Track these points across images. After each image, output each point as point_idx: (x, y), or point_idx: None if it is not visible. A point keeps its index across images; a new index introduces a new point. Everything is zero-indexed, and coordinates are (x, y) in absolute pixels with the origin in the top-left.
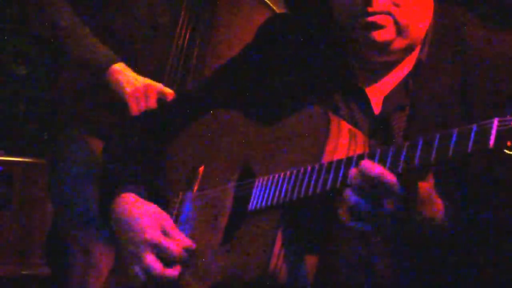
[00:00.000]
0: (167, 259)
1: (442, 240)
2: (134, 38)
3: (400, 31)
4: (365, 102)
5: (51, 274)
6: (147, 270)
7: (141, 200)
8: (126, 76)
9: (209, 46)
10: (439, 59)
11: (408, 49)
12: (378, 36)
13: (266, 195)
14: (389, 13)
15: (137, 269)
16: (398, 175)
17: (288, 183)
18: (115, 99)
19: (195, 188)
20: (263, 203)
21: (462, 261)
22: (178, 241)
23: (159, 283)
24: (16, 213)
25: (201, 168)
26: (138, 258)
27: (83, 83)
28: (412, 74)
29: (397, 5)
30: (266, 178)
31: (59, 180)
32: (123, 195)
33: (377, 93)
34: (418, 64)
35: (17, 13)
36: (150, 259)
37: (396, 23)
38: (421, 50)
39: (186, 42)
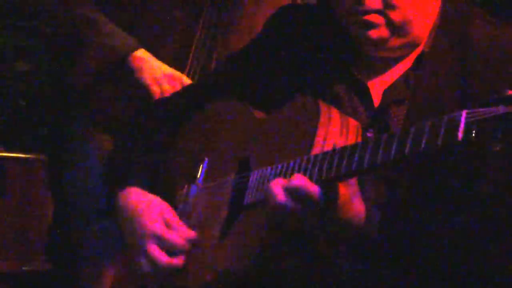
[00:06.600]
0: (170, 250)
1: (365, 244)
2: (156, 27)
3: (394, 30)
4: (365, 94)
5: (52, 270)
6: (152, 262)
7: (144, 193)
8: (148, 64)
9: (233, 36)
10: (441, 53)
11: (411, 46)
12: (372, 34)
13: (259, 189)
14: (381, 12)
15: (142, 261)
16: (323, 184)
17: (280, 176)
18: (134, 87)
19: (199, 180)
20: (257, 196)
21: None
22: (181, 232)
23: (165, 274)
24: (16, 209)
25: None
26: (143, 250)
27: (97, 76)
28: (413, 68)
29: (391, 6)
30: (259, 171)
31: (76, 176)
32: (127, 189)
33: (378, 86)
34: (420, 58)
35: (18, 8)
36: (155, 251)
37: (389, 22)
38: (425, 44)
39: (209, 32)
